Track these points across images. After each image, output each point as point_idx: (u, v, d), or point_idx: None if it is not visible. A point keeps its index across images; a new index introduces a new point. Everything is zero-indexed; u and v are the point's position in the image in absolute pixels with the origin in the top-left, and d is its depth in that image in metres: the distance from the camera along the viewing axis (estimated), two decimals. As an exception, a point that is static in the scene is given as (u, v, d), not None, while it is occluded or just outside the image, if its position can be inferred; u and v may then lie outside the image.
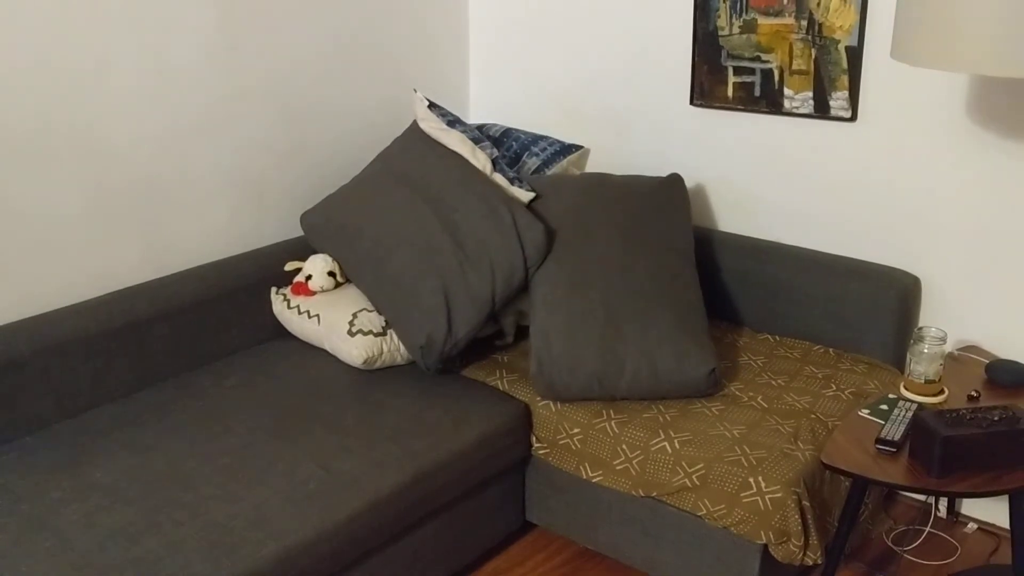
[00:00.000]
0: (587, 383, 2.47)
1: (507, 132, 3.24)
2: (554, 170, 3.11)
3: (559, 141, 3.20)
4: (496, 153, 2.88)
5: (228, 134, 2.80)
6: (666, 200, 2.80)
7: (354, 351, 2.60)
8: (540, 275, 2.63)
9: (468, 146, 2.86)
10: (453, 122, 2.92)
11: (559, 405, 2.50)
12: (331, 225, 2.85)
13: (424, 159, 2.86)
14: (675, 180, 2.87)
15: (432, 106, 2.93)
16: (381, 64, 3.21)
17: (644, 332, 2.50)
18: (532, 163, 3.10)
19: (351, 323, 2.64)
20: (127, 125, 2.55)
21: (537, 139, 3.19)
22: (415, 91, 3.00)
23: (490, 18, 3.44)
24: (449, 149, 2.87)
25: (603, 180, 2.85)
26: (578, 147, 3.22)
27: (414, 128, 2.98)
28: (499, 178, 2.83)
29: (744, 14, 2.82)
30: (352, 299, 2.75)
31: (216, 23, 2.70)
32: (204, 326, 2.70)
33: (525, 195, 2.81)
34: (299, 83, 2.97)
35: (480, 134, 2.97)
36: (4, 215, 2.35)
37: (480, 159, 2.84)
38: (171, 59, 2.61)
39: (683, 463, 2.28)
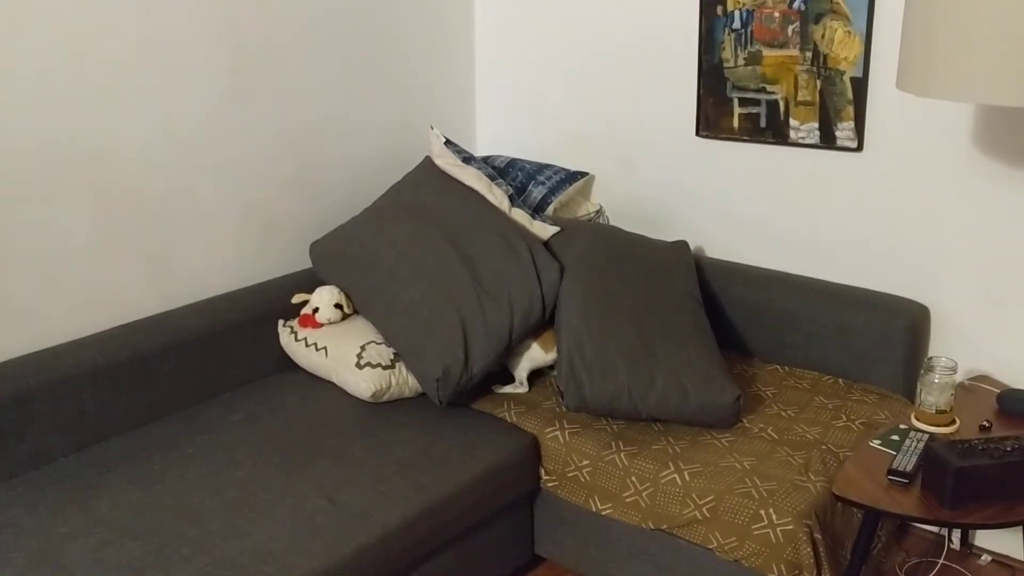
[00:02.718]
0: (618, 392, 2.46)
1: (512, 162, 3.26)
2: (560, 198, 3.12)
3: (564, 169, 3.22)
4: (511, 190, 2.90)
5: (236, 166, 2.82)
6: (675, 260, 2.85)
7: (362, 384, 2.60)
8: (569, 290, 2.64)
9: (484, 183, 2.89)
10: (468, 159, 2.94)
11: (568, 437, 2.49)
12: (343, 255, 2.85)
13: (440, 194, 2.88)
14: (682, 246, 2.92)
15: (448, 143, 2.96)
16: (389, 96, 3.23)
17: (674, 353, 2.52)
18: (538, 192, 3.12)
19: (359, 356, 2.63)
20: (134, 155, 2.57)
21: (542, 168, 3.21)
22: (431, 128, 3.02)
23: (496, 50, 3.47)
24: (465, 185, 2.89)
25: (615, 231, 2.91)
26: (583, 174, 3.24)
27: (427, 163, 3.00)
28: (518, 214, 2.85)
29: (749, 46, 2.83)
30: (360, 331, 2.75)
31: (226, 55, 2.72)
32: (211, 359, 2.69)
33: (548, 230, 2.84)
34: (307, 115, 2.98)
35: (494, 171, 2.99)
36: (12, 248, 2.36)
37: (497, 195, 2.87)
38: (179, 91, 2.63)
39: (693, 495, 2.26)
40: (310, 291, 2.88)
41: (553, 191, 3.13)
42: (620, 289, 2.66)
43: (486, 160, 3.32)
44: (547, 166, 3.24)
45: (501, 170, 3.23)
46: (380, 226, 2.85)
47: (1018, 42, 1.87)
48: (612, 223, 3.25)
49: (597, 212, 3.21)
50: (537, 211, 3.08)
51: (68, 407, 2.39)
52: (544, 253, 2.73)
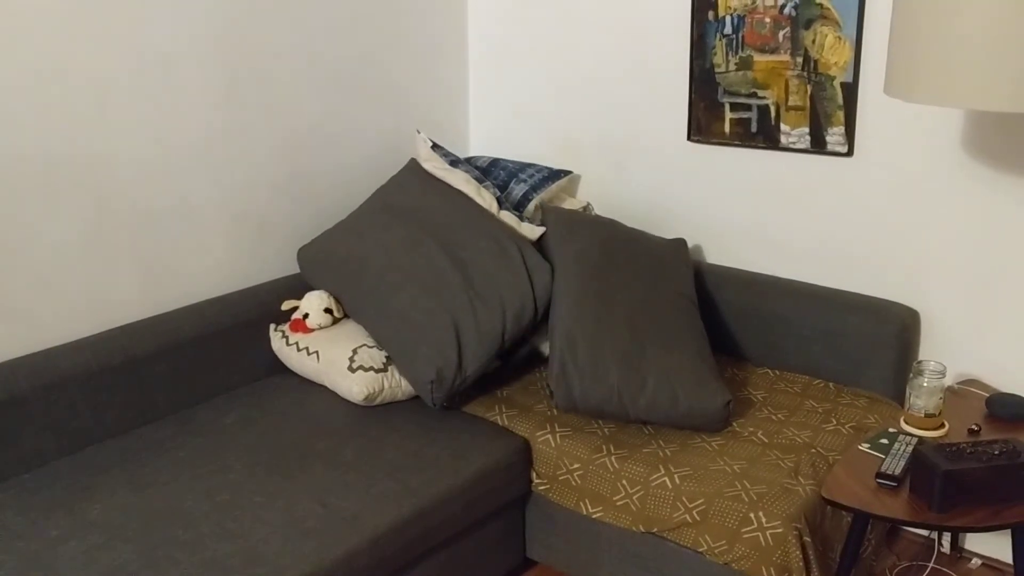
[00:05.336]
0: (607, 395, 2.47)
1: (495, 162, 3.26)
2: (542, 196, 3.12)
3: (547, 167, 3.23)
4: (500, 193, 2.91)
5: (228, 170, 2.82)
6: (672, 257, 2.86)
7: (355, 388, 2.60)
8: (564, 288, 2.65)
9: (473, 186, 2.90)
10: (455, 162, 2.95)
11: (559, 440, 2.50)
12: (331, 260, 2.86)
13: (426, 196, 2.88)
14: (679, 244, 2.93)
15: (435, 147, 2.96)
16: (381, 99, 3.24)
17: (666, 356, 2.53)
18: (519, 190, 3.12)
19: (351, 359, 2.64)
20: (127, 160, 2.57)
21: (524, 167, 3.21)
22: (418, 132, 3.02)
23: (489, 53, 3.47)
24: (453, 188, 2.90)
25: (614, 225, 2.91)
26: (566, 172, 3.24)
27: (413, 166, 3.01)
28: (507, 216, 2.86)
29: (740, 51, 2.84)
30: (351, 335, 2.76)
31: (217, 58, 2.73)
32: (203, 362, 2.70)
33: (536, 231, 2.85)
34: (300, 121, 2.99)
35: (481, 174, 3.00)
36: (5, 251, 2.36)
37: (486, 198, 2.88)
38: (171, 94, 2.64)
39: (683, 498, 2.27)
40: (301, 295, 2.89)
41: (535, 188, 3.13)
42: (616, 288, 2.66)
43: (469, 160, 3.32)
44: (530, 165, 3.24)
45: (484, 169, 3.23)
46: (368, 230, 2.85)
47: (1002, 47, 1.88)
48: (604, 226, 3.25)
49: (584, 209, 3.22)
50: (518, 208, 3.08)
51: (60, 410, 2.40)
52: (535, 254, 2.74)
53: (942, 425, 2.30)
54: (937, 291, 2.67)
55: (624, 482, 2.36)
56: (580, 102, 3.28)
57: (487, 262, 2.70)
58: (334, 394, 2.70)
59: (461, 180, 2.90)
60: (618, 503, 2.37)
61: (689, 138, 3.03)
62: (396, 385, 2.65)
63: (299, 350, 2.76)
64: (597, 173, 3.30)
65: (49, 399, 2.37)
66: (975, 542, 2.73)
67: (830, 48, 2.68)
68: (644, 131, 3.14)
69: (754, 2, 2.78)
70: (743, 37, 2.83)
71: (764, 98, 2.84)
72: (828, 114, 2.73)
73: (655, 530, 2.32)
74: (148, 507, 2.17)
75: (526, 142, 3.46)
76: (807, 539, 2.14)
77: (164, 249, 2.70)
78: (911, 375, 2.30)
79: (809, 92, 2.75)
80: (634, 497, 2.34)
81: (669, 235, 3.16)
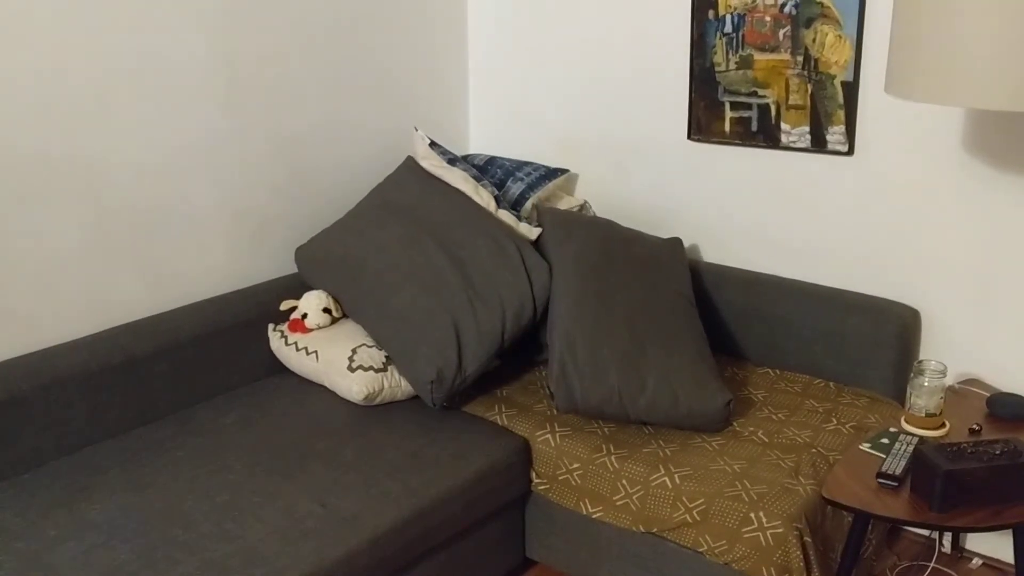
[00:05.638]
0: (608, 395, 2.46)
1: (491, 160, 3.26)
2: (539, 194, 3.12)
3: (544, 166, 3.23)
4: (497, 192, 2.90)
5: (228, 170, 2.82)
6: (669, 257, 2.86)
7: (354, 387, 2.60)
8: (563, 288, 2.64)
9: (471, 184, 2.89)
10: (453, 160, 2.94)
11: (559, 440, 2.49)
12: (330, 259, 2.85)
13: (424, 195, 2.88)
14: (675, 243, 2.93)
15: (433, 144, 2.96)
16: (381, 99, 3.24)
17: (666, 356, 2.53)
18: (516, 188, 3.11)
19: (351, 359, 2.63)
20: (127, 160, 2.57)
21: (521, 165, 3.21)
22: (416, 129, 3.02)
23: (488, 53, 3.47)
24: (451, 186, 2.89)
25: (612, 225, 2.91)
26: (563, 171, 3.24)
27: (410, 164, 3.00)
28: (504, 215, 2.86)
29: (740, 50, 2.84)
30: (350, 334, 2.75)
31: (217, 59, 2.72)
32: (203, 362, 2.69)
33: (532, 231, 2.84)
34: (300, 121, 2.99)
35: (479, 173, 2.99)
36: (5, 251, 2.36)
37: (484, 197, 2.87)
38: (171, 94, 2.63)
39: (683, 498, 2.26)
40: (300, 295, 2.88)
41: (532, 187, 3.13)
42: (614, 288, 2.66)
43: (466, 159, 3.32)
44: (527, 163, 3.23)
45: (480, 167, 3.23)
46: (365, 229, 2.85)
47: (1002, 47, 1.88)
48: (604, 226, 3.25)
49: (581, 207, 3.21)
50: (515, 207, 3.07)
51: (59, 409, 2.39)
52: (534, 254, 2.74)
53: (943, 425, 2.30)
54: (937, 291, 2.67)
55: (624, 482, 2.36)
56: (580, 101, 3.27)
57: (486, 261, 2.70)
58: (333, 394, 2.69)
59: (459, 178, 2.90)
60: (618, 503, 2.36)
61: (689, 137, 3.03)
62: (396, 385, 2.65)
63: (298, 350, 2.76)
64: (597, 173, 3.29)
65: (48, 399, 2.37)
66: (976, 542, 2.73)
67: (830, 47, 2.67)
68: (644, 130, 3.14)
69: (754, 1, 2.78)
70: (743, 36, 2.82)
71: (764, 97, 2.83)
72: (828, 113, 2.72)
73: (655, 530, 2.31)
74: (147, 507, 2.17)
75: (526, 141, 3.45)
76: (808, 539, 2.14)
77: (164, 249, 2.70)
78: (912, 375, 2.30)
79: (809, 91, 2.74)
80: (634, 497, 2.34)
81: (669, 235, 3.16)
